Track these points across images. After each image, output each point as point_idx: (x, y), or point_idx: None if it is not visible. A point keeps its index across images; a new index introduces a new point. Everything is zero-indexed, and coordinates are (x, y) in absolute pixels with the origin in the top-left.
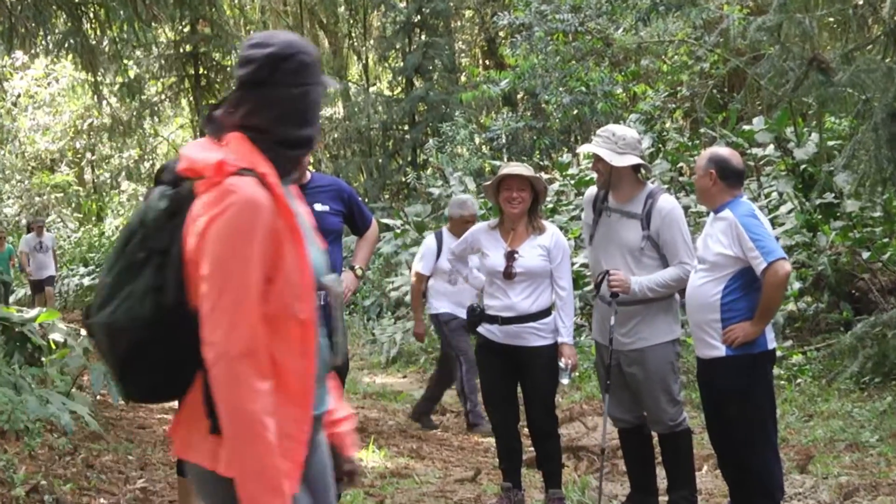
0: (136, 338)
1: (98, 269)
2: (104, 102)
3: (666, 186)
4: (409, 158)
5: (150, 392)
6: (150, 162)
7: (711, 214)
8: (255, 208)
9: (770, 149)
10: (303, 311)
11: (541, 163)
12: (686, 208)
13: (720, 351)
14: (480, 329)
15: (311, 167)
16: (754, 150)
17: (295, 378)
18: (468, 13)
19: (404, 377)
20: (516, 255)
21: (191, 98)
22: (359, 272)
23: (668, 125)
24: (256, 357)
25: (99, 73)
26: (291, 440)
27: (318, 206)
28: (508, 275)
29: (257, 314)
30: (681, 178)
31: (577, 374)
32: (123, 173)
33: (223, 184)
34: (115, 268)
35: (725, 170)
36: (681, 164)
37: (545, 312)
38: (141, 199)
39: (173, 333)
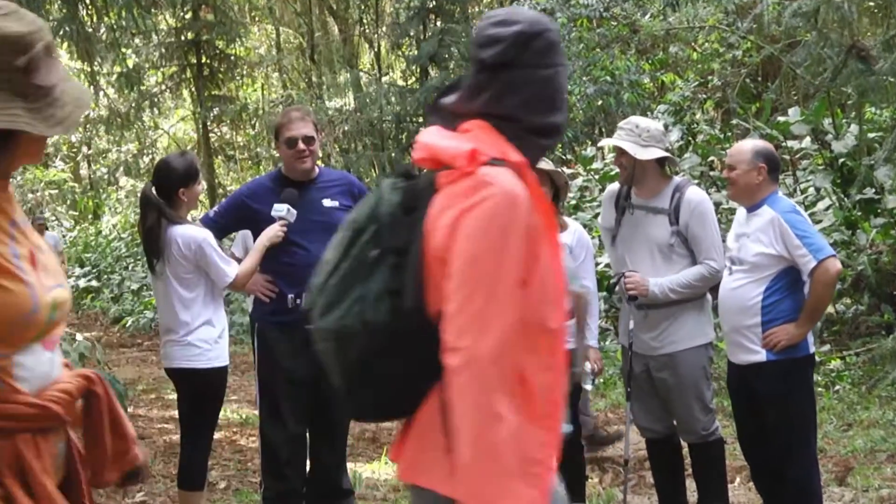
0: (368, 346)
1: (95, 270)
2: (101, 93)
3: (696, 181)
4: None
5: (379, 408)
6: (150, 156)
7: (743, 212)
8: (513, 202)
9: (806, 141)
10: (553, 319)
11: (563, 156)
12: (717, 205)
13: (760, 356)
14: None
15: (320, 161)
16: (790, 143)
17: (541, 395)
18: None
19: None
20: None
21: (193, 88)
22: None
23: (698, 116)
24: (504, 368)
25: (96, 63)
26: (537, 465)
27: (328, 202)
28: None
29: (511, 319)
30: (711, 173)
31: (601, 380)
32: (121, 168)
33: (476, 174)
34: (342, 268)
35: (774, 163)
36: (711, 158)
37: (569, 315)
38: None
39: (409, 342)
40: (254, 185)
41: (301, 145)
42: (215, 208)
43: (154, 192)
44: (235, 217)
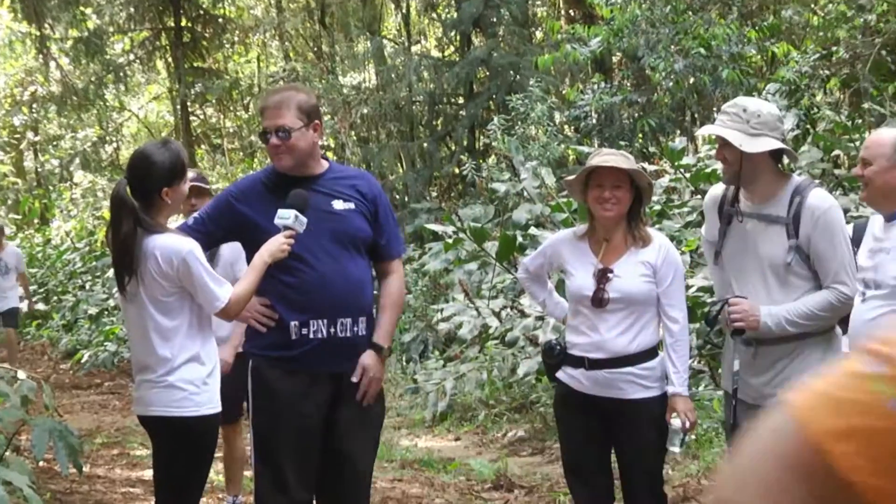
0: None
1: (42, 290)
2: (53, 64)
3: (817, 181)
4: (465, 143)
5: None
6: (114, 145)
7: (880, 220)
8: None
9: None
10: None
11: (645, 150)
12: (845, 211)
13: None
14: (561, 375)
15: (329, 153)
16: None
17: None
18: None
19: (457, 439)
20: (610, 275)
21: (169, 59)
22: (385, 353)
23: (819, 99)
24: None
25: (46, 25)
26: None
27: (340, 205)
28: (599, 301)
29: None
30: (836, 171)
31: (693, 437)
32: (77, 160)
33: None
34: None
35: None
36: (837, 152)
37: (649, 353)
38: (101, 194)
39: None
40: (245, 183)
41: (273, 139)
42: (195, 214)
43: (129, 192)
44: (222, 225)
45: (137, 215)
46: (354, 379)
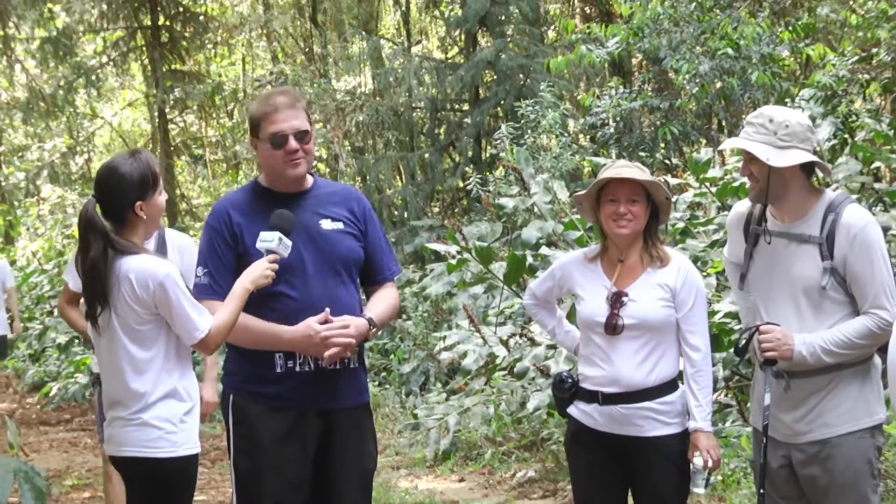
0: None
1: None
2: (18, 67)
3: (854, 196)
4: (470, 154)
5: None
6: (85, 156)
7: None
8: None
9: None
10: None
11: (667, 161)
12: (885, 229)
13: None
14: (573, 410)
15: (322, 164)
16: None
17: None
18: None
19: (461, 480)
20: (625, 299)
21: (145, 61)
22: (374, 329)
23: (857, 106)
24: None
25: (10, 24)
26: None
27: (328, 224)
28: (613, 328)
29: None
30: (876, 185)
31: (719, 477)
32: (45, 173)
33: None
34: None
35: None
36: (877, 164)
37: (669, 386)
38: (70, 210)
39: None
40: (225, 203)
41: (293, 143)
42: (203, 268)
43: (98, 211)
44: (231, 263)
45: (108, 237)
46: (334, 319)
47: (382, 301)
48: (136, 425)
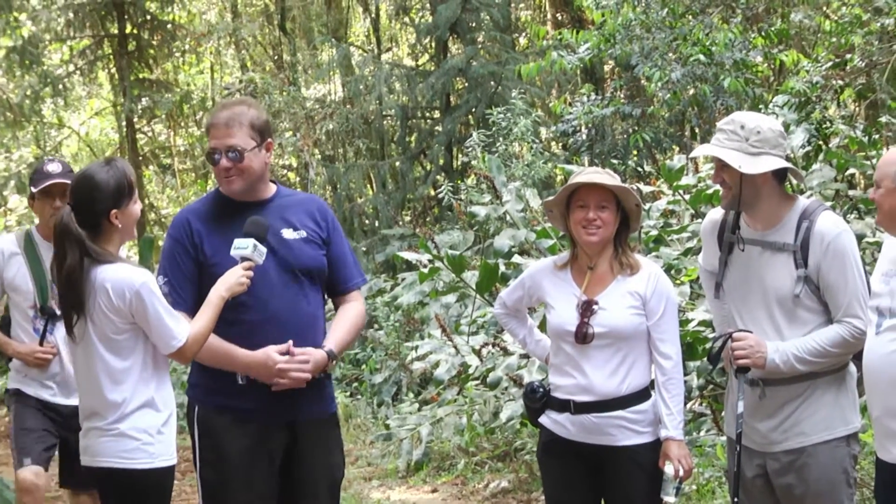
0: None
1: None
2: None
3: (827, 204)
4: (441, 162)
5: None
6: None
7: (895, 245)
8: None
9: None
10: None
11: (640, 168)
12: (860, 237)
13: None
14: (545, 420)
15: (291, 174)
16: None
17: None
18: None
19: (434, 491)
20: (595, 307)
21: (112, 69)
22: (333, 360)
23: (832, 112)
24: None
25: None
26: None
27: (289, 233)
28: (583, 336)
29: None
30: (851, 192)
31: (693, 486)
32: (12, 183)
33: None
34: None
35: None
36: (851, 171)
37: (641, 395)
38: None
39: None
40: (186, 213)
41: (224, 161)
42: (163, 277)
43: (73, 219)
44: (190, 268)
45: (84, 245)
46: (295, 353)
47: (344, 324)
48: (113, 436)
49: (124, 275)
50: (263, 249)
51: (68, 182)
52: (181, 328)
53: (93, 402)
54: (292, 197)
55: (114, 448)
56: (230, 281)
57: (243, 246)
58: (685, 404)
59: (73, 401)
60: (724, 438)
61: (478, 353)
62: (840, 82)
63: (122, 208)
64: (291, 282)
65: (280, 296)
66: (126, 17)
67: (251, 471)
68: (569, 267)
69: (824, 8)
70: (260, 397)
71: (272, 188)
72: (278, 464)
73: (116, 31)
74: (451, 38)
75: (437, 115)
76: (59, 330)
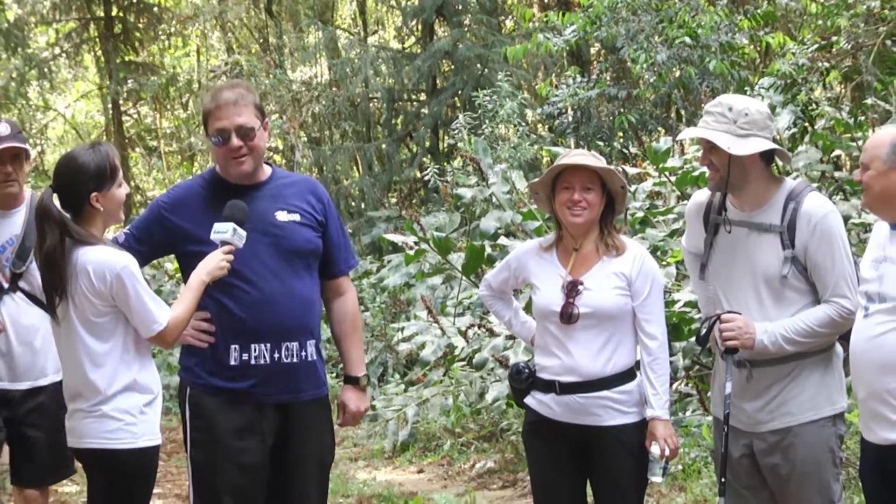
0: None
1: None
2: None
3: (814, 185)
4: (428, 144)
5: None
6: (38, 148)
7: (885, 228)
8: None
9: None
10: None
11: (626, 150)
12: (846, 218)
13: None
14: (530, 401)
15: (278, 156)
16: None
17: None
18: None
19: (420, 472)
20: (580, 287)
21: (98, 52)
22: (364, 382)
23: (818, 94)
24: None
25: None
26: None
27: (283, 216)
28: (568, 317)
29: None
30: (837, 174)
31: (680, 466)
32: None
33: None
34: None
35: None
36: (837, 152)
37: (627, 375)
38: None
39: None
40: (178, 192)
41: (235, 140)
42: (126, 229)
43: (56, 201)
44: (154, 240)
45: (65, 227)
46: (338, 423)
47: (351, 339)
48: (96, 417)
49: (106, 257)
50: (243, 233)
51: (20, 146)
52: (162, 312)
53: (76, 384)
54: (288, 179)
55: (97, 429)
56: (210, 265)
57: (223, 230)
58: (671, 385)
59: (22, 384)
60: (709, 419)
61: (464, 334)
62: (826, 64)
63: (105, 192)
64: (284, 264)
65: (273, 278)
66: (112, 0)
67: (241, 451)
68: (554, 248)
69: None
70: (252, 378)
71: (267, 170)
72: (269, 445)
73: (102, 14)
74: (437, 20)
75: (423, 97)
76: (6, 305)
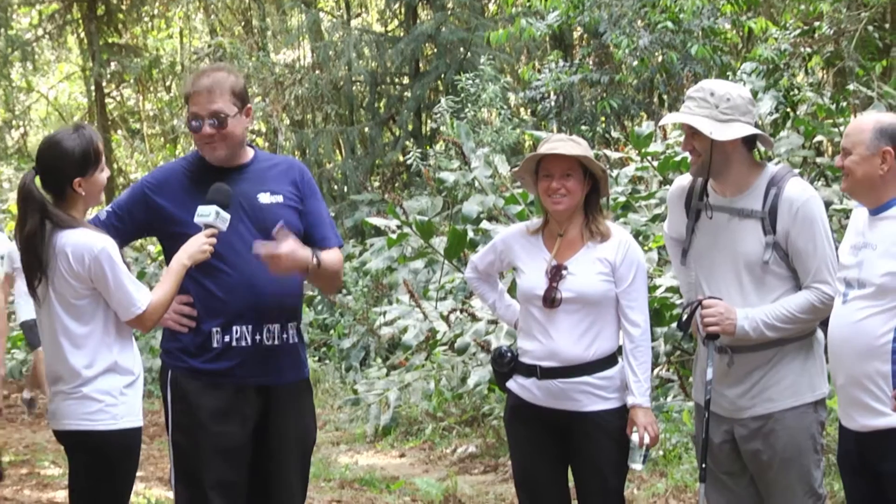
0: None
1: None
2: None
3: (796, 171)
4: (410, 128)
5: None
6: (21, 130)
7: (864, 214)
8: None
9: None
10: None
11: (608, 135)
12: (828, 204)
13: (890, 419)
14: (512, 385)
15: (260, 139)
16: None
17: None
18: None
19: (402, 456)
20: (564, 272)
21: (81, 34)
22: (315, 259)
23: (800, 79)
24: None
25: None
26: None
27: (266, 198)
28: (551, 301)
29: None
30: (818, 159)
31: (660, 452)
32: None
33: None
34: None
35: None
36: (819, 138)
37: (608, 361)
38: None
39: None
40: (163, 173)
41: (207, 128)
42: (108, 207)
43: (38, 183)
44: (137, 219)
45: (46, 210)
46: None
47: (329, 252)
48: (77, 398)
49: (84, 240)
50: (227, 216)
51: None
52: (141, 295)
53: (57, 366)
54: (270, 161)
55: (77, 410)
56: (192, 249)
57: (206, 213)
58: (652, 370)
59: None
60: (690, 404)
61: (446, 318)
62: (808, 50)
63: (87, 177)
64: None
65: (255, 260)
66: None
67: (223, 434)
68: (541, 232)
69: None
70: (234, 360)
71: (249, 153)
72: (251, 428)
73: None
74: (420, 3)
75: (406, 80)
76: None
